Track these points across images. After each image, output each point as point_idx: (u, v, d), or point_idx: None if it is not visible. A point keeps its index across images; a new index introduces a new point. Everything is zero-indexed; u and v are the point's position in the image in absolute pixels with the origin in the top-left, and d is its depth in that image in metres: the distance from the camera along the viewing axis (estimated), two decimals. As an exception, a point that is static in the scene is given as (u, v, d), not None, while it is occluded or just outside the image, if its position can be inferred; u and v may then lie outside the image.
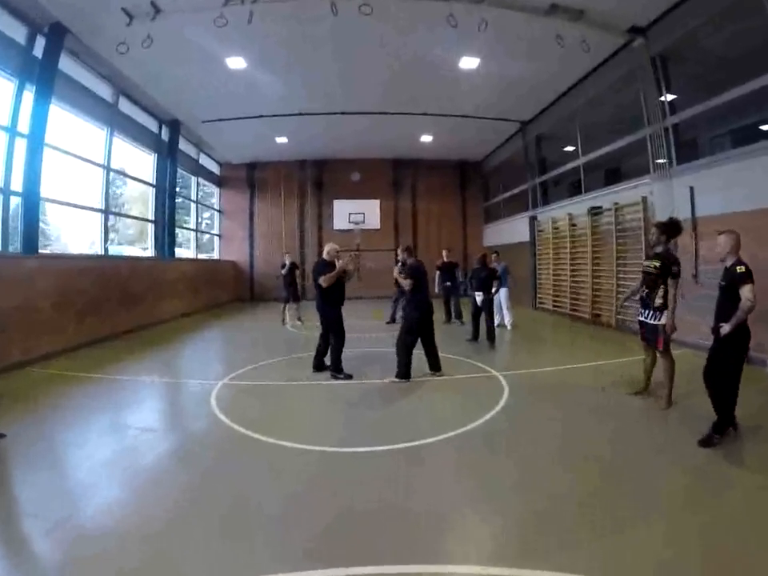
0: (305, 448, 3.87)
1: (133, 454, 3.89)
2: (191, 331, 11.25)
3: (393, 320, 11.14)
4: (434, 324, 6.31)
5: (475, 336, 8.60)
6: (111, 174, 11.37)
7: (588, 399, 5.23)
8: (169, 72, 10.42)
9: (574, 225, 12.09)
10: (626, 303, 6.20)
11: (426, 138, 16.04)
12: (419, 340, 6.20)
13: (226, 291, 18.08)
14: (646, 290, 4.89)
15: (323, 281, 6.10)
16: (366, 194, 18.73)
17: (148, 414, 5.05)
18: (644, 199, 9.34)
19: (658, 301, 4.78)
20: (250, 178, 19.10)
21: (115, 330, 9.95)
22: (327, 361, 6.45)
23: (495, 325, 8.91)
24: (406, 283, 6.19)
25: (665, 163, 8.87)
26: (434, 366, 6.28)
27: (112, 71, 10.46)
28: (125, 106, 11.98)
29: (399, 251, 6.85)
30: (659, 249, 4.92)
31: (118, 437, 4.30)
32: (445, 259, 11.37)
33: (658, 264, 4.77)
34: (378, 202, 18.82)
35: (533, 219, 14.44)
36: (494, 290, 8.48)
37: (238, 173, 19.10)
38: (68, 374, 6.61)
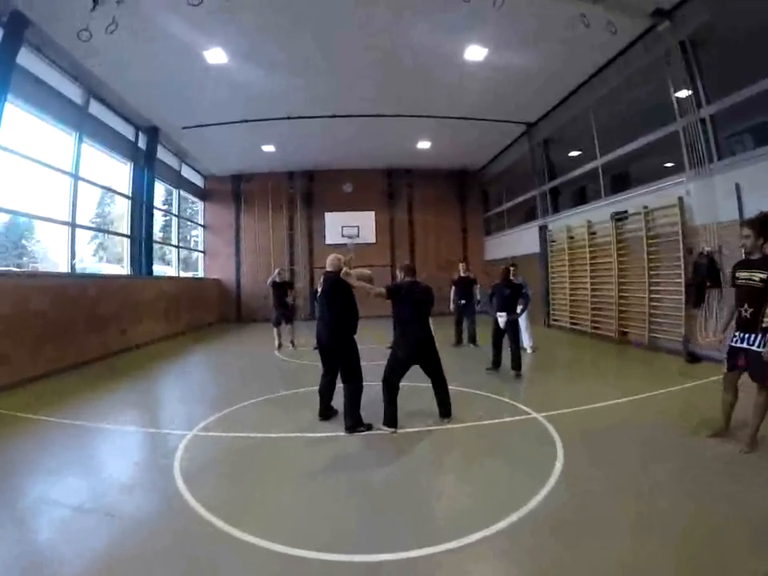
0: (296, 555, 2.61)
1: (52, 552, 2.67)
2: (168, 358, 9.91)
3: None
4: (436, 359, 5.03)
5: (496, 364, 7.35)
6: (88, 185, 10.14)
7: (667, 449, 4.08)
8: (141, 68, 9.26)
9: (593, 233, 11.01)
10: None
11: (424, 145, 14.97)
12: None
13: (210, 312, 16.74)
14: (750, 309, 3.77)
15: (359, 285, 4.89)
16: (360, 206, 17.60)
17: (90, 483, 3.71)
18: (680, 200, 8.31)
19: None
20: (235, 191, 17.89)
21: (81, 357, 8.66)
22: (335, 403, 5.20)
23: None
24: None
25: (702, 159, 7.89)
26: (442, 411, 5.04)
27: (79, 69, 9.33)
28: (96, 109, 10.78)
29: (398, 271, 5.49)
30: (756, 255, 3.81)
31: (42, 522, 3.04)
32: (461, 273, 10.20)
33: (764, 275, 3.67)
34: (372, 213, 17.70)
35: (543, 228, 13.35)
36: (518, 309, 7.30)
37: (222, 185, 17.90)
38: (10, 413, 5.38)
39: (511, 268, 7.88)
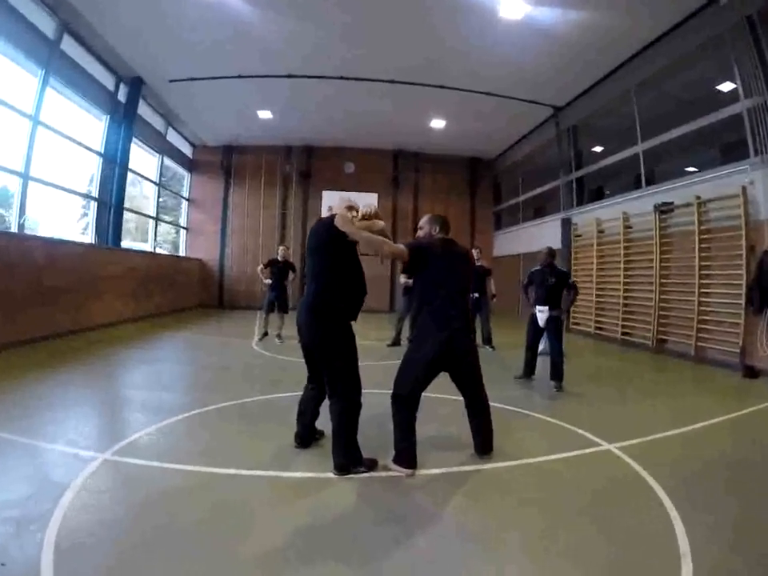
0: None
1: None
2: (127, 344, 8.25)
3: (397, 342, 8.52)
4: (476, 365, 3.40)
5: (529, 371, 5.94)
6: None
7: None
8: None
9: (628, 227, 9.64)
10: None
11: (438, 124, 13.47)
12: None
13: (188, 294, 15.13)
14: None
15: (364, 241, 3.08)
16: (361, 189, 16.05)
17: None
18: (744, 190, 7.02)
19: None
20: (226, 163, 16.26)
21: (19, 336, 7.10)
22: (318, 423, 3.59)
23: (540, 351, 6.16)
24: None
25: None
26: (480, 443, 3.42)
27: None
28: (71, 47, 9.24)
29: (424, 221, 3.56)
30: None
31: None
32: (475, 263, 8.79)
33: None
34: (375, 196, 16.13)
35: (566, 222, 11.94)
36: (563, 304, 5.84)
37: (212, 156, 16.26)
38: None
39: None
